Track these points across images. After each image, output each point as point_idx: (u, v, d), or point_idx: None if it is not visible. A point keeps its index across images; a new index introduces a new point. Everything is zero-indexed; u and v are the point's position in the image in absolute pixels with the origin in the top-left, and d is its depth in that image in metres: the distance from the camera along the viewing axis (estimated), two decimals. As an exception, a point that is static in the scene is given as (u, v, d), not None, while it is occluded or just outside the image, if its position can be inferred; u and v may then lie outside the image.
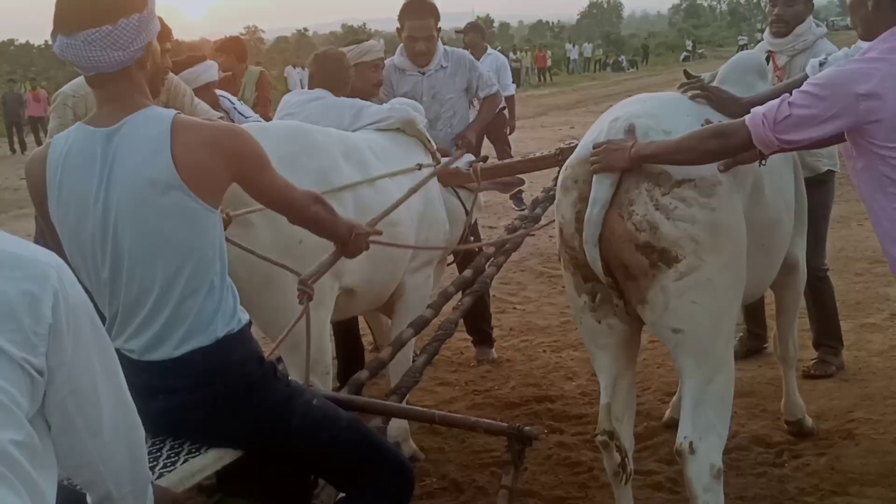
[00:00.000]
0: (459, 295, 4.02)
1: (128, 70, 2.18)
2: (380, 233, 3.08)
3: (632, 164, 2.77)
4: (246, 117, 4.48)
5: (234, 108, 4.58)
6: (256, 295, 3.26)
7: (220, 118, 4.16)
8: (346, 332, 4.80)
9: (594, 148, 2.86)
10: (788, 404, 4.12)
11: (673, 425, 4.10)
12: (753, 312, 5.04)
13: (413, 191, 3.80)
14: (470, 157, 4.68)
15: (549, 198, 4.22)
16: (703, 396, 2.85)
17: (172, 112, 2.23)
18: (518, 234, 4.08)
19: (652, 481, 3.80)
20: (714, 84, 3.34)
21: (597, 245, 2.81)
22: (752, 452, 3.97)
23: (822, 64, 3.16)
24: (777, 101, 2.63)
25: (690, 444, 2.81)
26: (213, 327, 2.24)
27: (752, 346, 5.15)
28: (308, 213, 2.58)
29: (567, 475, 3.90)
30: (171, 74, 4.07)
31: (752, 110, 2.71)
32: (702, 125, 2.92)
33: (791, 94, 2.62)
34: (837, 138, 2.79)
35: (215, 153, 2.21)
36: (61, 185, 2.23)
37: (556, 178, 4.31)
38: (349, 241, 2.83)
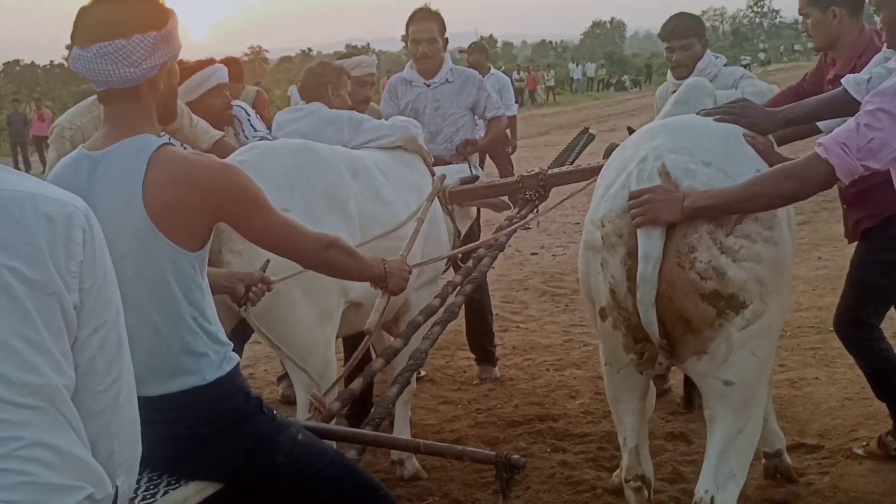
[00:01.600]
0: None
1: (138, 88, 2.14)
2: (411, 270, 3.02)
3: (684, 216, 2.51)
4: (256, 130, 4.48)
5: (248, 120, 4.59)
6: (263, 309, 3.27)
7: (224, 136, 4.15)
8: (355, 346, 4.77)
9: (632, 197, 2.60)
10: (768, 434, 3.83)
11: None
12: None
13: (425, 211, 3.82)
14: (464, 170, 4.71)
15: (512, 228, 4.22)
16: (730, 446, 2.69)
17: (157, 143, 2.13)
18: (483, 262, 4.05)
19: (656, 500, 3.78)
20: (676, 105, 3.28)
21: (653, 306, 2.53)
22: (754, 471, 3.95)
23: (868, 81, 3.08)
24: (850, 127, 2.43)
25: (712, 498, 2.66)
26: (197, 371, 2.17)
27: None
28: (318, 259, 2.47)
29: (570, 494, 3.89)
30: None
31: (820, 142, 2.49)
32: (731, 145, 2.74)
33: (861, 118, 2.43)
34: None
35: (191, 192, 2.10)
36: None
37: (519, 207, 4.38)
38: (385, 278, 2.78)
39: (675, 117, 3.13)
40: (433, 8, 5.20)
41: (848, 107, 2.98)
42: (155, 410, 2.03)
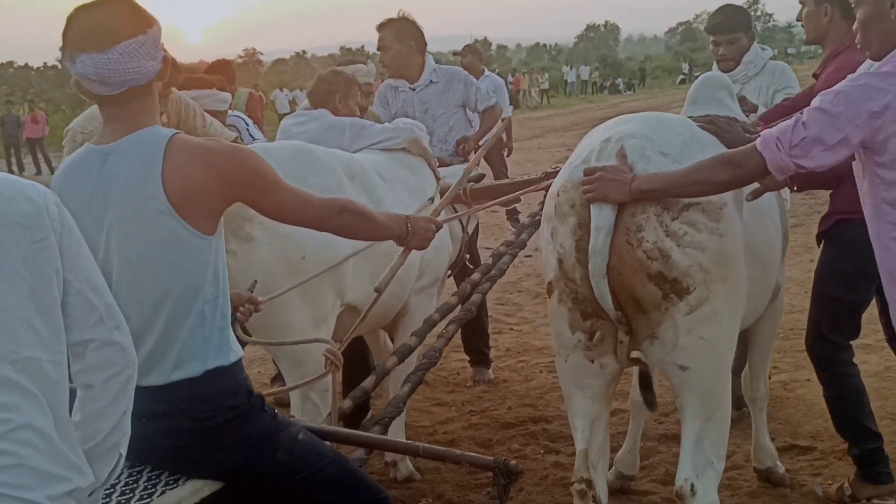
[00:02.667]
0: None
1: (152, 83, 2.20)
2: (440, 225, 3.02)
3: (631, 198, 2.57)
4: (254, 139, 4.51)
5: (247, 129, 4.61)
6: (259, 313, 3.28)
7: (235, 139, 4.18)
8: (352, 352, 4.75)
9: (586, 174, 2.66)
10: (758, 451, 3.88)
11: (618, 487, 3.87)
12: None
13: (452, 193, 3.85)
14: (460, 169, 4.71)
15: (535, 223, 4.20)
16: (703, 433, 2.74)
17: (171, 132, 2.19)
18: (503, 261, 4.07)
19: (649, 501, 3.80)
20: (685, 105, 3.36)
21: (605, 276, 2.57)
22: (746, 472, 3.97)
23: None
24: (790, 122, 2.46)
25: (692, 486, 2.71)
26: (204, 358, 2.20)
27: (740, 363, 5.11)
28: (330, 224, 2.52)
29: (563, 496, 3.89)
30: (181, 93, 4.10)
31: (762, 134, 2.55)
32: (695, 142, 2.81)
33: (803, 115, 2.45)
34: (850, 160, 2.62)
35: (209, 174, 2.15)
36: None
37: (543, 202, 4.37)
38: (407, 234, 2.80)
39: (648, 112, 3.18)
40: (401, 14, 5.24)
41: None
42: (160, 402, 2.09)
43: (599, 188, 2.59)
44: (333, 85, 4.36)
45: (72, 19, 2.14)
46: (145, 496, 2.16)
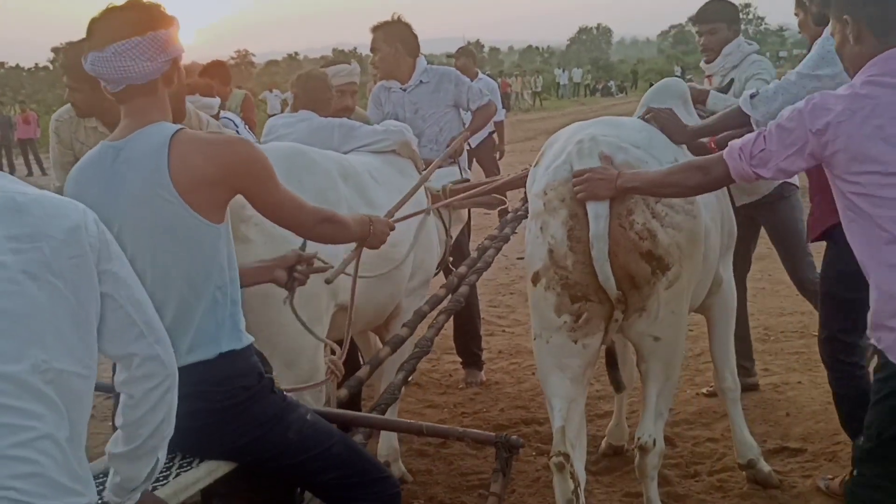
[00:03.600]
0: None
1: (155, 83, 2.29)
2: (393, 227, 3.16)
3: (617, 194, 2.87)
4: None
5: (237, 131, 4.60)
6: (252, 310, 3.27)
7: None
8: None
9: (575, 175, 2.93)
10: (737, 445, 3.92)
11: (611, 453, 4.27)
12: (739, 343, 4.98)
13: (411, 194, 3.87)
14: (454, 173, 4.72)
15: (517, 218, 4.27)
16: (661, 392, 3.16)
17: (177, 127, 2.29)
18: (488, 254, 4.11)
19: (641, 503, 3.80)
20: (638, 109, 3.60)
21: (608, 261, 2.83)
22: (738, 474, 3.98)
23: (752, 96, 3.38)
24: (753, 135, 2.66)
25: (654, 441, 3.15)
26: (217, 342, 2.30)
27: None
28: (313, 233, 2.68)
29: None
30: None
31: (729, 144, 2.73)
32: (655, 136, 3.17)
33: (766, 128, 2.63)
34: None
35: (214, 165, 2.26)
36: (73, 196, 2.30)
37: (524, 199, 4.39)
38: (368, 235, 2.93)
39: (606, 117, 3.58)
40: (394, 17, 5.29)
41: (742, 121, 3.39)
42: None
43: (589, 187, 2.88)
44: (325, 91, 4.44)
45: (93, 21, 2.29)
46: (161, 478, 2.22)
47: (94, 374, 1.72)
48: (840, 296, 3.40)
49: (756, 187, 4.39)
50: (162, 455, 1.95)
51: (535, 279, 3.04)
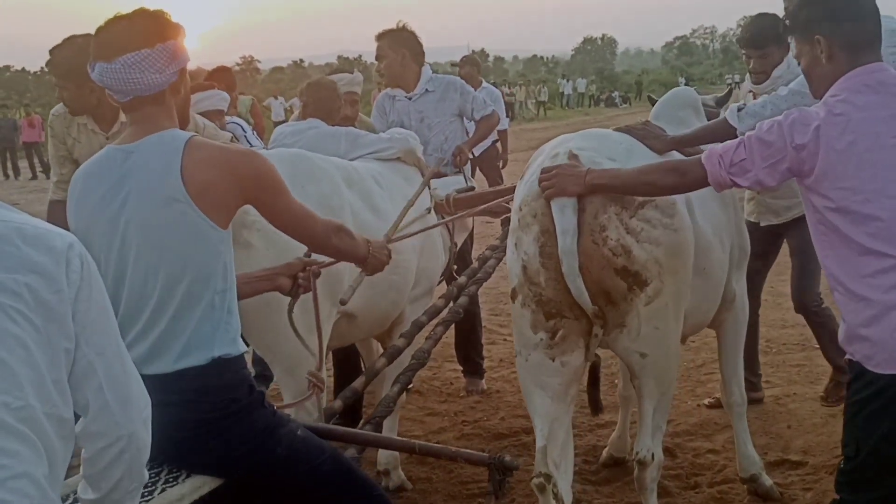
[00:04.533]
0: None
1: (162, 94, 2.30)
2: (390, 257, 3.11)
3: (586, 190, 2.79)
4: (252, 146, 4.52)
5: (245, 136, 4.61)
6: (253, 316, 3.27)
7: (231, 140, 4.20)
8: (345, 359, 4.78)
9: (543, 171, 2.88)
10: (740, 458, 3.94)
11: (611, 464, 4.27)
12: (746, 358, 4.97)
13: (412, 201, 3.88)
14: (459, 181, 4.73)
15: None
16: (657, 407, 3.11)
17: (190, 134, 2.31)
18: (489, 264, 4.10)
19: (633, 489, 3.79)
20: (649, 119, 3.48)
21: (579, 276, 2.76)
22: (738, 486, 3.97)
23: (739, 109, 3.39)
24: (735, 142, 2.64)
25: (652, 455, 3.12)
26: (210, 347, 2.27)
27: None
28: (329, 244, 2.69)
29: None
30: None
31: (709, 149, 2.72)
32: (636, 148, 3.10)
33: (746, 138, 2.61)
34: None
35: (226, 173, 2.27)
36: (79, 197, 2.36)
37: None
38: (368, 258, 2.91)
39: (593, 129, 3.49)
40: (400, 25, 5.29)
41: (727, 133, 3.30)
42: (166, 392, 2.10)
43: (557, 183, 2.82)
44: (335, 99, 4.47)
45: (99, 29, 2.29)
46: (146, 493, 2.17)
47: (67, 414, 1.63)
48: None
49: (786, 209, 4.52)
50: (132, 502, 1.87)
51: (513, 296, 3.02)
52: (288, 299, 2.90)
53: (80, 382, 1.68)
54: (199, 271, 2.26)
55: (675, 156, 3.30)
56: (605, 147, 3.06)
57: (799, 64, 2.73)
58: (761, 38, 4.45)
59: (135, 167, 2.27)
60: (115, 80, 2.24)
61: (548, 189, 2.83)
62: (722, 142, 2.98)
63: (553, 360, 2.96)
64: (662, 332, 2.98)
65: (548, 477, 2.96)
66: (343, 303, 3.26)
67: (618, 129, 3.36)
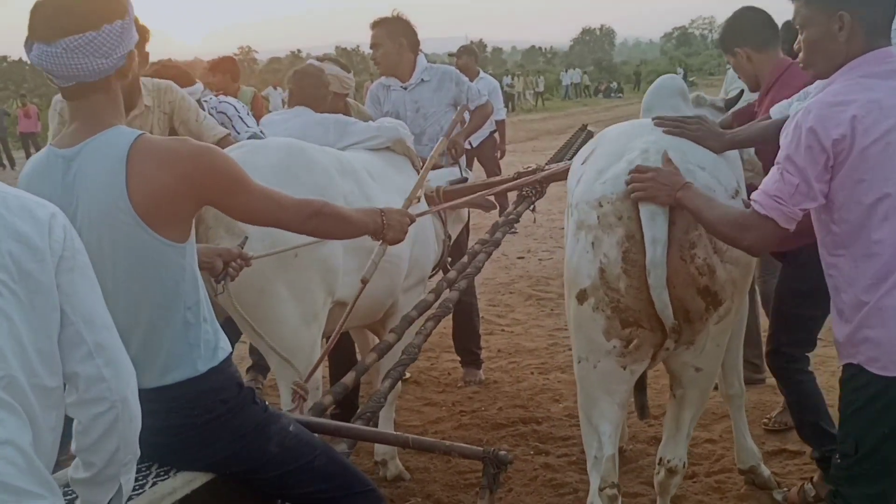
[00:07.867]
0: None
1: (108, 80, 2.09)
2: (413, 219, 3.02)
3: (675, 204, 2.66)
4: (248, 126, 4.46)
5: (238, 116, 4.57)
6: (250, 307, 3.27)
7: (228, 134, 4.16)
8: (339, 348, 4.76)
9: (637, 171, 2.72)
10: (739, 450, 3.92)
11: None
12: (749, 339, 4.97)
13: (418, 187, 3.87)
14: (454, 172, 4.71)
15: (509, 222, 4.21)
16: (695, 416, 3.17)
17: (133, 136, 2.08)
18: (478, 258, 4.07)
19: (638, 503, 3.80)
20: (642, 112, 3.28)
21: (665, 289, 2.65)
22: (735, 476, 3.97)
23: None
24: (774, 178, 2.46)
25: (684, 464, 3.18)
26: (193, 363, 2.17)
27: (746, 375, 5.08)
28: (303, 228, 2.49)
29: (552, 496, 3.91)
30: (176, 87, 4.08)
31: (753, 198, 2.52)
32: (720, 158, 2.93)
33: (780, 166, 2.45)
34: None
35: (175, 179, 2.06)
36: None
37: (515, 203, 4.34)
38: (383, 229, 2.79)
39: (642, 121, 3.18)
40: (395, 13, 5.24)
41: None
42: (150, 401, 2.01)
43: (651, 188, 2.67)
44: (321, 87, 4.43)
45: (37, 6, 2.04)
46: (137, 487, 2.13)
47: (54, 383, 1.63)
48: (793, 312, 3.57)
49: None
50: (126, 480, 1.84)
51: (582, 297, 2.84)
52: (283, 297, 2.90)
53: (69, 351, 1.67)
54: (162, 296, 2.12)
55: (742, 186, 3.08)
56: (692, 151, 2.88)
57: (800, 31, 2.56)
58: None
59: (77, 179, 2.07)
60: (57, 64, 2.00)
61: (638, 192, 2.69)
62: (774, 142, 2.76)
63: (624, 369, 2.88)
64: (721, 349, 3.02)
65: (619, 487, 2.95)
66: (364, 281, 3.24)
67: (666, 129, 3.03)
